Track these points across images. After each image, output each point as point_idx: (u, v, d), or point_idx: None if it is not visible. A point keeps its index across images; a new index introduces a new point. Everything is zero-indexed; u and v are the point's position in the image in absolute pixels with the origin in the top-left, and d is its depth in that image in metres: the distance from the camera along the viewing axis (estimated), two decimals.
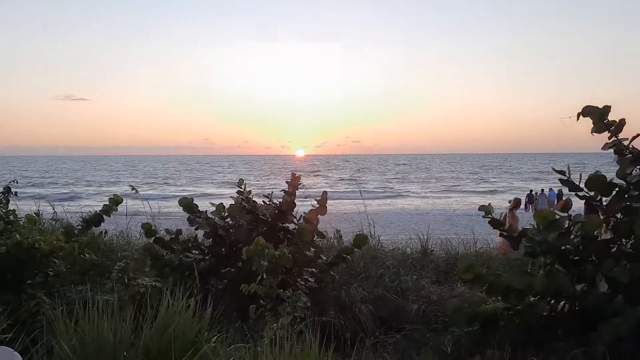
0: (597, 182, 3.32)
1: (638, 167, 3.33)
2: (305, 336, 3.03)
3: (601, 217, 3.49)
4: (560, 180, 3.45)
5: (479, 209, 3.66)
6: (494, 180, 68.69)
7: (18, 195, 5.60)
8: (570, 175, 3.44)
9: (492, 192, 51.92)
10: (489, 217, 3.64)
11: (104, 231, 5.56)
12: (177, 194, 42.11)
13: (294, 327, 3.35)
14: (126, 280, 4.18)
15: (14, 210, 5.20)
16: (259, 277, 3.94)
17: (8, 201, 5.27)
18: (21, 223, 4.99)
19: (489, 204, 3.68)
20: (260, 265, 3.96)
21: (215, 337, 3.17)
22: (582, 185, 3.42)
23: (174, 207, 6.14)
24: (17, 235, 4.15)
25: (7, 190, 5.33)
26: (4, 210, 5.10)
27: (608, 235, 3.51)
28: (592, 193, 3.41)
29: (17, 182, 5.69)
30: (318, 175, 75.50)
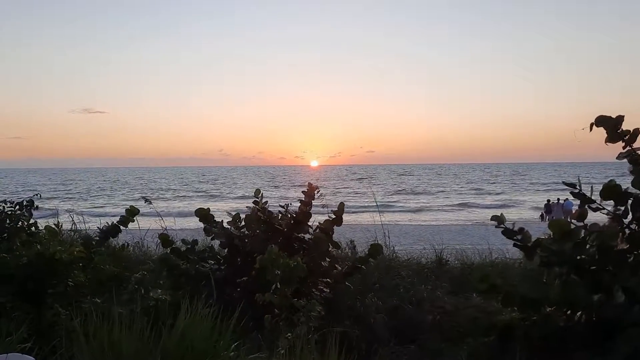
0: (612, 191, 3.30)
1: None
2: (321, 346, 3.04)
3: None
4: (571, 193, 3.44)
5: (492, 219, 3.66)
6: (508, 190, 68.27)
7: (38, 208, 5.71)
8: (581, 187, 3.43)
9: (507, 202, 51.55)
10: (502, 227, 3.63)
11: (126, 243, 5.64)
12: (185, 206, 42.74)
13: (309, 337, 3.37)
14: (142, 291, 4.23)
15: (35, 222, 5.32)
16: (273, 286, 3.96)
17: (31, 214, 5.39)
18: (41, 235, 5.09)
19: (501, 213, 3.67)
20: (274, 274, 3.98)
21: (234, 346, 3.20)
22: (593, 197, 3.41)
23: (189, 218, 6.22)
24: (38, 246, 4.23)
25: (31, 203, 5.44)
26: (26, 223, 5.23)
27: (625, 245, 3.49)
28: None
29: (40, 197, 5.81)
30: (331, 186, 75.49)
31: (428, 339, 4.74)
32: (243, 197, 54.34)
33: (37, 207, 5.50)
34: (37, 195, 5.79)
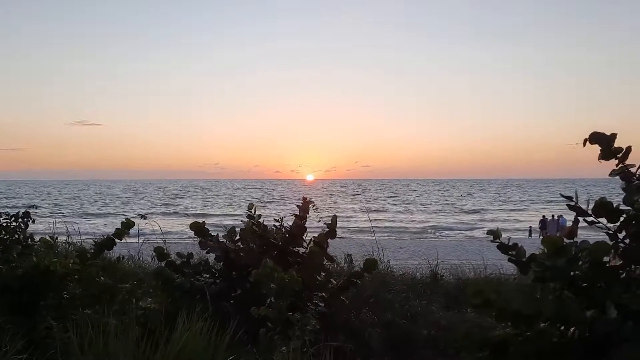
0: (604, 208, 3.33)
1: None
2: None
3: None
4: (567, 205, 3.47)
5: (487, 233, 3.68)
6: (502, 205, 68.51)
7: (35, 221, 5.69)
8: (578, 201, 3.46)
9: (502, 218, 51.72)
10: (498, 242, 3.66)
11: (121, 255, 5.63)
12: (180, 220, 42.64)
13: (304, 351, 3.38)
14: (133, 302, 4.22)
15: (31, 234, 5.31)
16: (268, 300, 3.97)
17: (27, 226, 5.38)
18: (36, 247, 5.07)
19: (497, 228, 3.69)
20: (269, 288, 3.99)
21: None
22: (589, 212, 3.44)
23: (184, 232, 6.22)
24: (34, 258, 4.23)
25: (27, 214, 5.43)
26: (22, 235, 5.21)
27: (618, 262, 3.51)
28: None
29: (36, 208, 5.80)
30: (324, 201, 75.51)
31: (423, 354, 4.75)
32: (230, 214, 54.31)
33: (33, 220, 5.48)
34: (33, 206, 5.78)
